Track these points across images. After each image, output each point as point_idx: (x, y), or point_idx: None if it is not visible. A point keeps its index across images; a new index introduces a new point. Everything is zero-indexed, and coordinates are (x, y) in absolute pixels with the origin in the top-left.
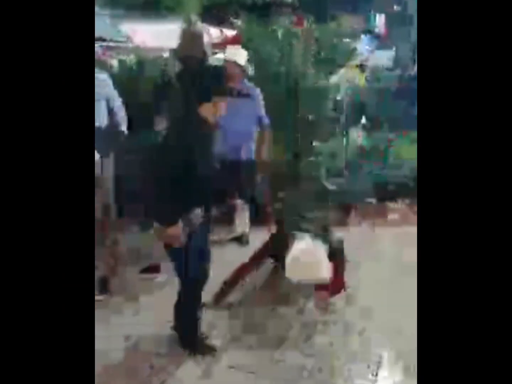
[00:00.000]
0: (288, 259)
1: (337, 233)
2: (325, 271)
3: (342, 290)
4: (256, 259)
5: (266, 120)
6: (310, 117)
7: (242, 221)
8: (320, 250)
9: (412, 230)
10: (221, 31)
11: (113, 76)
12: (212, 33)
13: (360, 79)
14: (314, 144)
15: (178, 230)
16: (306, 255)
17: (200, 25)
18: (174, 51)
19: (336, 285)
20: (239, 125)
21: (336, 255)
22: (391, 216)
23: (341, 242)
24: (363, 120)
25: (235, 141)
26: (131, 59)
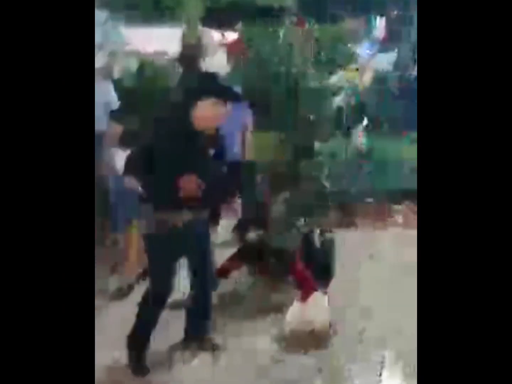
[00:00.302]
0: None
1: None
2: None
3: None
4: (235, 260)
5: (248, 120)
6: (311, 117)
7: (224, 229)
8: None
9: (412, 230)
10: (223, 34)
11: (114, 82)
12: (213, 36)
13: (360, 80)
14: (314, 144)
15: (189, 179)
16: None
17: (200, 27)
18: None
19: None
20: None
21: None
22: (391, 217)
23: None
24: (365, 122)
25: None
26: (131, 61)
